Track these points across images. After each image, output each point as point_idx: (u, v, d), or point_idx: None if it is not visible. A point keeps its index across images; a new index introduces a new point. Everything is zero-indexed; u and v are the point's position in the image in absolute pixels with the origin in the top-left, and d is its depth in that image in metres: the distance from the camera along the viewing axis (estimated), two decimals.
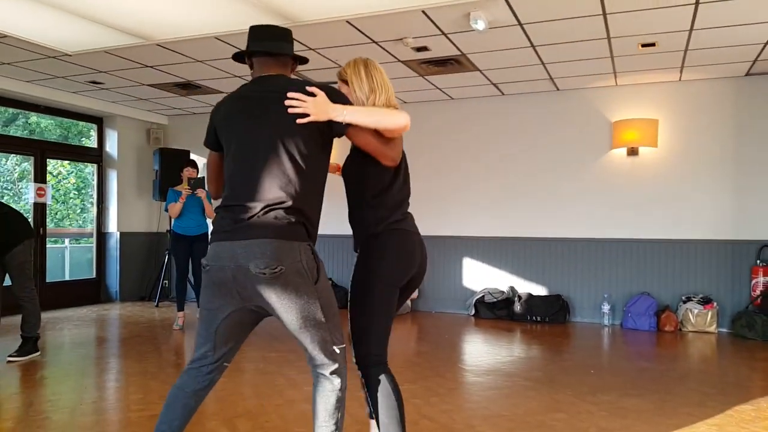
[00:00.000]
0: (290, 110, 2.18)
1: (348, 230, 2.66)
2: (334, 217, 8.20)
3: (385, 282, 2.44)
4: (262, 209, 2.14)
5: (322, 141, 2.28)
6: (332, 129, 2.26)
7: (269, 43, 2.34)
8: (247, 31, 2.41)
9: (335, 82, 2.54)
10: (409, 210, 2.69)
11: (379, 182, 2.48)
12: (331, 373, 2.25)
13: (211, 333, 2.24)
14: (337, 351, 2.27)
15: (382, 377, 2.40)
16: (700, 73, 6.45)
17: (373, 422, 2.53)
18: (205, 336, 2.26)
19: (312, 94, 2.21)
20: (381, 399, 2.37)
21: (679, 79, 6.73)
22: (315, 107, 2.19)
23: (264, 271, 2.09)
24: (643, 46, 5.55)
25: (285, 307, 2.15)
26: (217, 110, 2.37)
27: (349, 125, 2.26)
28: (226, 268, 2.15)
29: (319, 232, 2.41)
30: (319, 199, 2.34)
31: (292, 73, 2.44)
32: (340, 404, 2.25)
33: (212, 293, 2.22)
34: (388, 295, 2.45)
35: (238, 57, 2.44)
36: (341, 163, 2.61)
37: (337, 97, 2.29)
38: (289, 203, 2.16)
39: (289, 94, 2.19)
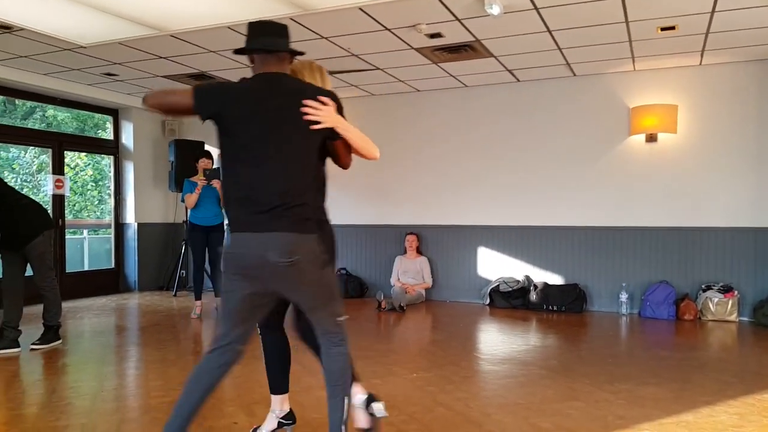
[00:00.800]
0: (306, 117, 2.39)
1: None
2: (346, 208, 8.24)
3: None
4: (280, 205, 2.35)
5: (323, 144, 2.54)
6: (332, 135, 2.50)
7: (266, 39, 2.46)
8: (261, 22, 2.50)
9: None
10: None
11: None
12: (339, 339, 2.57)
13: (229, 314, 2.47)
14: (342, 321, 2.60)
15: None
16: (722, 56, 6.33)
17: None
18: (224, 318, 2.49)
19: (323, 102, 2.43)
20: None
21: (700, 64, 6.61)
22: (328, 117, 2.43)
23: (282, 260, 2.34)
24: (663, 29, 5.45)
25: (300, 290, 2.46)
26: (227, 94, 2.41)
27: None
28: (247, 256, 2.37)
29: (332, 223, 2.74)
30: (324, 196, 2.71)
31: (290, 65, 2.58)
32: (347, 364, 2.59)
33: (232, 278, 2.43)
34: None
35: (239, 51, 2.55)
36: None
37: (339, 104, 2.54)
38: (303, 201, 2.40)
39: (306, 102, 2.39)
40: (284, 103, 2.40)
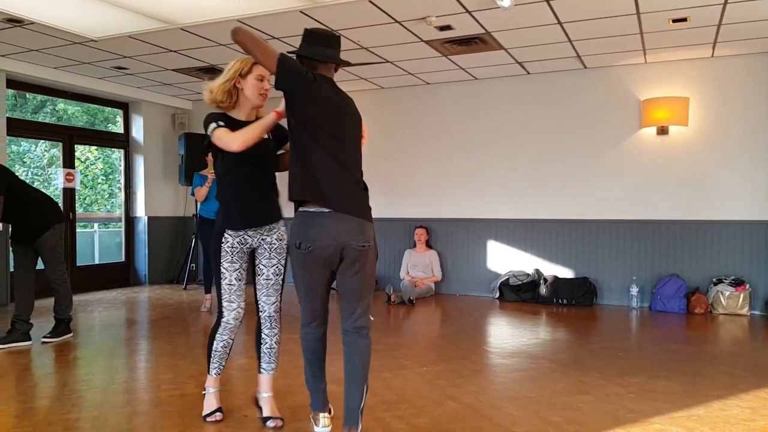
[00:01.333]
0: (362, 138, 2.81)
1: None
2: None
3: None
4: (356, 199, 2.69)
5: None
6: None
7: (319, 49, 2.69)
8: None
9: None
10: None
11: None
12: (367, 332, 2.78)
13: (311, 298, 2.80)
14: (370, 315, 2.83)
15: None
16: (734, 48, 6.27)
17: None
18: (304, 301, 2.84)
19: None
20: None
21: (711, 56, 6.55)
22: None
23: (362, 245, 2.65)
24: (674, 21, 5.40)
25: (363, 273, 2.74)
26: (315, 81, 2.61)
27: None
28: (328, 246, 2.63)
29: None
30: None
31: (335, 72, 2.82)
32: (370, 357, 2.80)
33: (312, 267, 2.70)
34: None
35: (296, 55, 2.72)
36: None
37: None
38: (366, 194, 2.76)
39: (363, 126, 2.83)
40: (354, 118, 2.75)
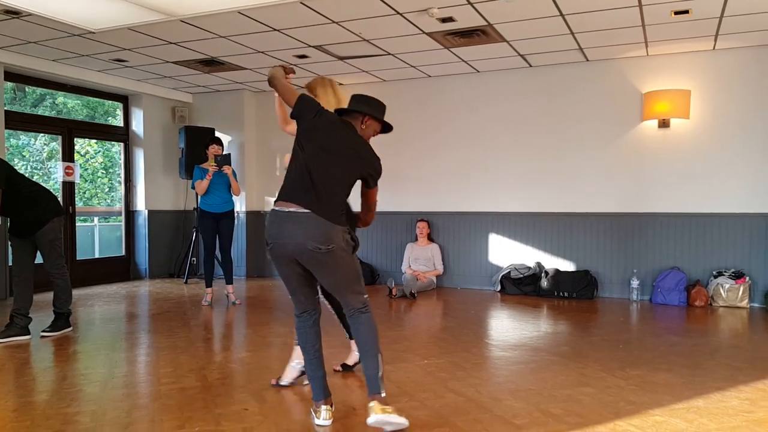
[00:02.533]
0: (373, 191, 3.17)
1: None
2: (356, 195, 8.20)
3: None
4: (323, 202, 2.86)
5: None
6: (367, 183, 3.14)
7: (352, 103, 3.12)
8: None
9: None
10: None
11: None
12: (366, 308, 2.98)
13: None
14: (364, 295, 3.01)
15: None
16: (736, 41, 6.24)
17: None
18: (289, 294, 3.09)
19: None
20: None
21: (713, 48, 6.52)
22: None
23: (317, 247, 2.80)
24: (676, 13, 5.38)
25: (331, 271, 2.91)
26: (322, 113, 3.00)
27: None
28: (285, 245, 2.84)
29: None
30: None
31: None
32: (375, 326, 2.98)
33: (278, 263, 2.95)
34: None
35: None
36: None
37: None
38: (341, 205, 2.95)
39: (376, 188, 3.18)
40: (350, 147, 2.98)
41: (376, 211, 3.31)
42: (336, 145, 2.93)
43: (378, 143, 3.24)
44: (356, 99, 3.12)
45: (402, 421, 2.82)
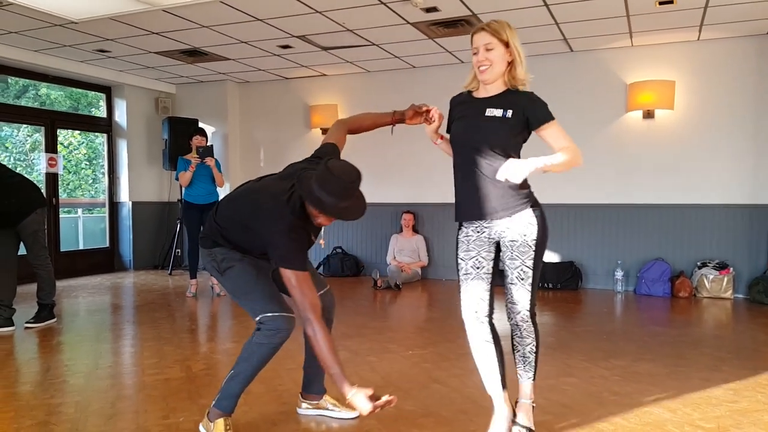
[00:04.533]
0: None
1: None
2: None
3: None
4: None
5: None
6: None
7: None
8: None
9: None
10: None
11: None
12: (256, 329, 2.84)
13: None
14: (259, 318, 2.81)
15: None
16: (720, 31, 6.27)
17: None
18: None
19: None
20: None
21: (698, 39, 6.55)
22: None
23: None
24: (661, 3, 5.39)
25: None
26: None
27: None
28: None
29: None
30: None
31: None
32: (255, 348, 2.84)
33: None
34: None
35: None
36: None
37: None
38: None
39: None
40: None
41: None
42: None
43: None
44: (323, 179, 2.50)
45: None
